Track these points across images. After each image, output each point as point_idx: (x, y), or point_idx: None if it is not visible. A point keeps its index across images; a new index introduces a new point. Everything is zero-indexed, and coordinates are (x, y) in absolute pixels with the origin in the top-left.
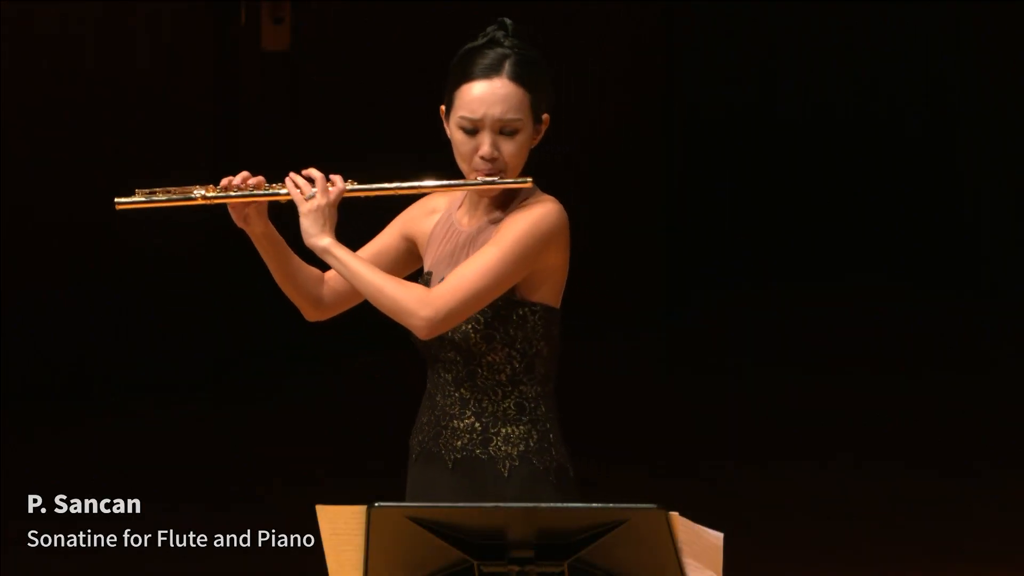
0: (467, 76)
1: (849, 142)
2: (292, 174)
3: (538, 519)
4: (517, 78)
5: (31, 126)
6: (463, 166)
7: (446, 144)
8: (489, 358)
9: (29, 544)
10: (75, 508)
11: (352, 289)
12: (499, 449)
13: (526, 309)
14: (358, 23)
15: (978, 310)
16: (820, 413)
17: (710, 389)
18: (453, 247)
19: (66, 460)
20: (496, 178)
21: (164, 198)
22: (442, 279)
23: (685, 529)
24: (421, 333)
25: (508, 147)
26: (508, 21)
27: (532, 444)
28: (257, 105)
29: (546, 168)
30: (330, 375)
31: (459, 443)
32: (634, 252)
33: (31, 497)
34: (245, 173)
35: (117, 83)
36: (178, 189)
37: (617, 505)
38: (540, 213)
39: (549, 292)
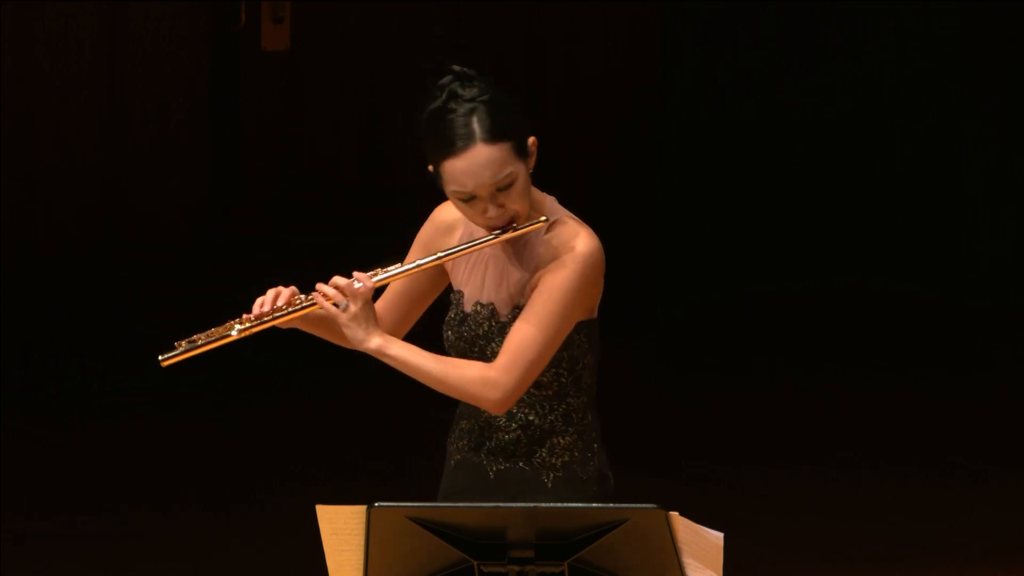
0: (445, 152)
1: (847, 142)
2: (320, 287)
3: (538, 519)
4: (492, 136)
5: (30, 127)
6: (476, 224)
7: None
8: (538, 379)
9: (29, 543)
10: (75, 507)
11: (404, 315)
12: (544, 460)
13: (571, 331)
14: (358, 23)
15: (977, 310)
16: (819, 413)
17: (708, 389)
18: (485, 271)
19: (66, 460)
20: (512, 226)
21: (204, 341)
22: (477, 303)
23: (685, 529)
24: (494, 411)
25: (511, 198)
26: (458, 68)
27: (576, 454)
28: (257, 105)
29: (542, 168)
30: (330, 375)
31: (502, 455)
32: (628, 251)
33: (31, 496)
34: (274, 291)
35: (116, 83)
36: (216, 330)
37: (617, 505)
38: (581, 261)
39: (589, 309)
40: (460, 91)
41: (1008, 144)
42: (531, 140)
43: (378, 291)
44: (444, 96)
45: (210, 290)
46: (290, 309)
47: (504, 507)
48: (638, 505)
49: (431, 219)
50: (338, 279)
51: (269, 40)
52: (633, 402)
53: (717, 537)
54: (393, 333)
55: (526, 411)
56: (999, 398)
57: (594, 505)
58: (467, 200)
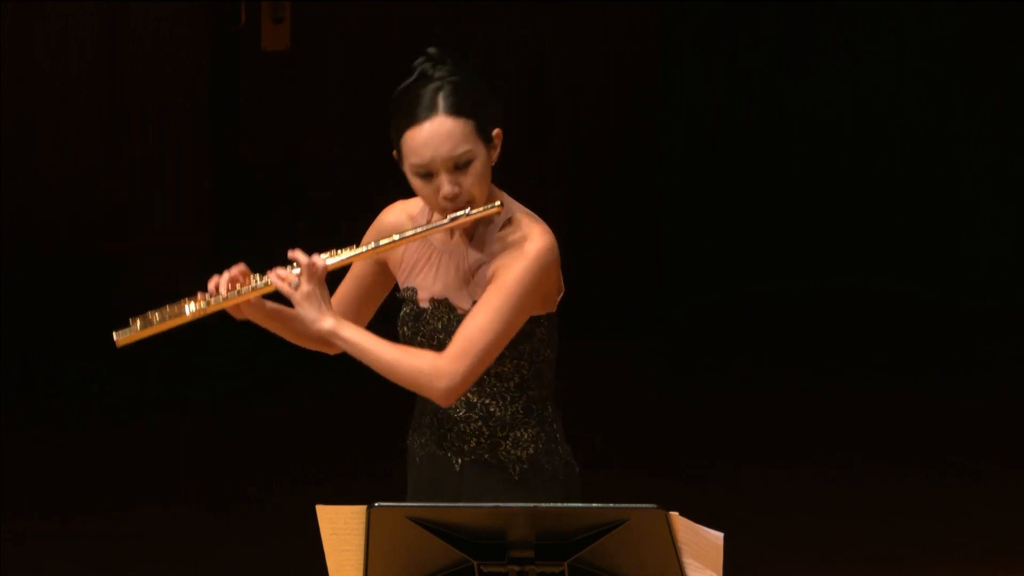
0: (406, 122)
1: (847, 142)
2: (275, 269)
3: (538, 519)
4: (454, 110)
5: (30, 127)
6: (429, 206)
7: None
8: (498, 369)
9: (29, 543)
10: (75, 507)
11: (358, 316)
12: (508, 453)
13: (530, 322)
14: (358, 23)
15: (977, 310)
16: (819, 413)
17: (708, 389)
18: (437, 268)
19: (66, 460)
20: (466, 211)
21: (159, 320)
22: (432, 299)
23: (685, 529)
24: (441, 402)
25: (467, 180)
26: (433, 50)
27: (541, 446)
28: (257, 105)
29: (543, 168)
30: (330, 375)
31: (466, 447)
32: (629, 251)
33: (31, 496)
34: (227, 274)
35: (116, 83)
36: (170, 308)
37: (617, 505)
38: (533, 255)
39: (549, 302)
40: (430, 71)
41: (1008, 144)
42: (496, 131)
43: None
44: (414, 77)
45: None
46: (244, 289)
47: (504, 507)
48: (638, 505)
49: (375, 223)
50: (297, 253)
51: (269, 40)
52: (633, 402)
53: (717, 537)
54: (361, 321)
55: (487, 401)
56: (999, 398)
57: (594, 505)
58: (424, 176)
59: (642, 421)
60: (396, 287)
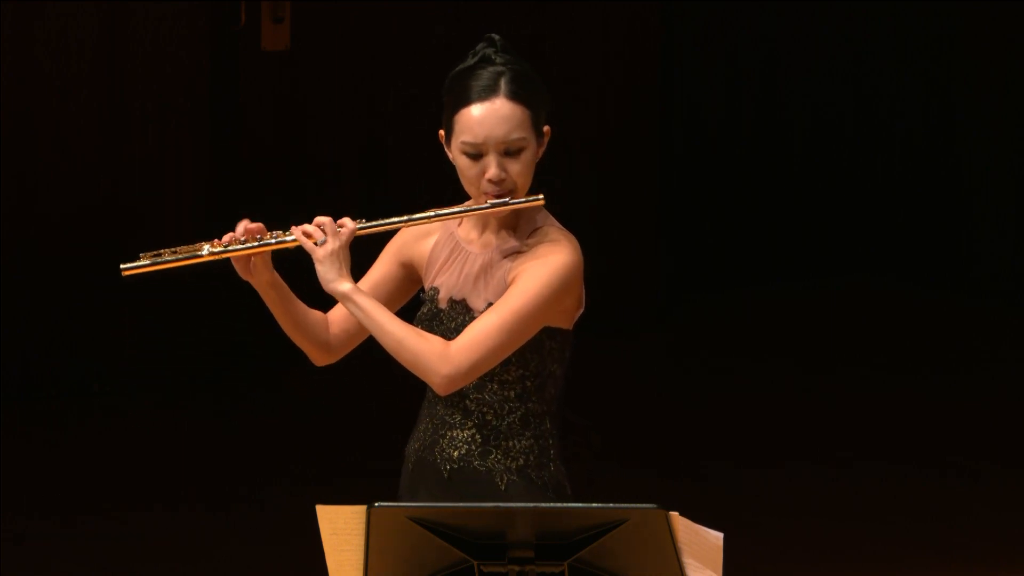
0: (464, 100)
1: (847, 142)
2: (301, 225)
3: (538, 519)
4: (515, 96)
5: (30, 127)
6: (470, 189)
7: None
8: (502, 377)
9: (29, 543)
10: (75, 507)
11: (358, 329)
12: (498, 462)
13: (543, 334)
14: (358, 23)
15: (977, 310)
16: (819, 413)
17: (708, 389)
18: (462, 268)
19: (66, 460)
20: (507, 199)
21: (172, 258)
22: (451, 299)
23: (685, 529)
24: (439, 389)
25: (514, 167)
26: (496, 37)
27: (532, 459)
28: (257, 105)
29: (544, 168)
30: (330, 375)
31: (456, 453)
32: (628, 251)
33: (31, 496)
34: (245, 222)
35: (116, 83)
36: (185, 248)
37: (617, 505)
38: (559, 263)
39: (566, 318)
40: (493, 56)
41: (1008, 144)
42: (546, 128)
43: None
44: (476, 59)
45: (210, 289)
46: (266, 239)
47: (504, 507)
48: (638, 505)
49: (399, 235)
50: (321, 218)
51: (269, 40)
52: (633, 402)
53: (717, 537)
54: (358, 335)
55: (484, 410)
56: (999, 398)
57: (594, 505)
58: (473, 156)
59: (642, 421)
60: (422, 288)
